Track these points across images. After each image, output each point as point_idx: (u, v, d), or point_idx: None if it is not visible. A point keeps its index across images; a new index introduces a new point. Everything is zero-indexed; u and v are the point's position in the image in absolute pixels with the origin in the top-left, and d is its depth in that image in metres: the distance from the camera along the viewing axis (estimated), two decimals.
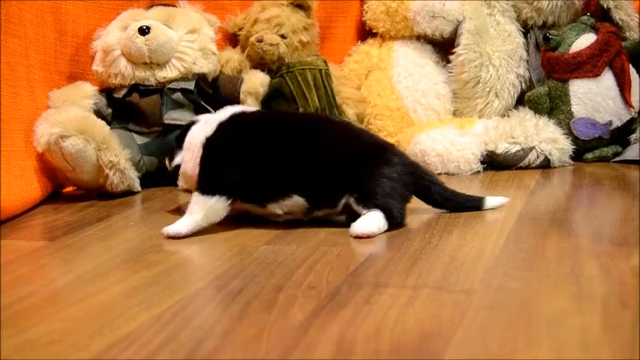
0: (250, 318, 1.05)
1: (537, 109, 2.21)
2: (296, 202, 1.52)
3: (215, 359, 0.92)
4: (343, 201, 1.51)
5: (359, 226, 1.45)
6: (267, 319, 1.04)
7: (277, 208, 1.53)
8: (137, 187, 1.92)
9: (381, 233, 1.46)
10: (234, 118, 1.58)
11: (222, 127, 1.55)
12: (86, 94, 1.97)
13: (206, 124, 1.57)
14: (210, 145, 1.53)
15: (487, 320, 1.02)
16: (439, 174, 2.06)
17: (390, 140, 2.25)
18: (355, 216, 1.49)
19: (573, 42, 2.20)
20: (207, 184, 1.50)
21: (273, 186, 1.52)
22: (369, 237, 1.44)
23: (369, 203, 1.48)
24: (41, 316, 1.07)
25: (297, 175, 1.51)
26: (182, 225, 1.48)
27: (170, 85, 1.99)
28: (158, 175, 1.96)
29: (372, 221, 1.46)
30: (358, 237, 1.44)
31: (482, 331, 0.99)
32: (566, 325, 0.98)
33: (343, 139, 1.55)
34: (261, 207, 1.55)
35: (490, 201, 1.63)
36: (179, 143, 1.60)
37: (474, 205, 1.62)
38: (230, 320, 1.05)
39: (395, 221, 1.49)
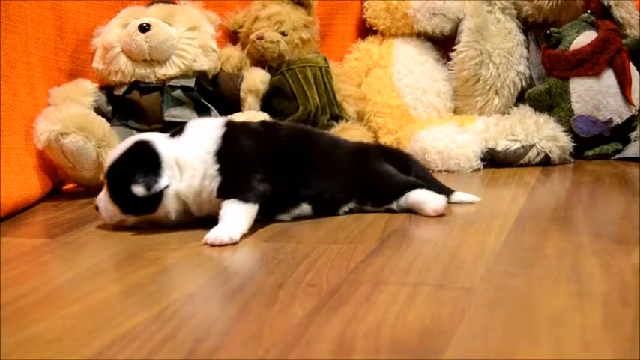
0: (250, 315, 1.05)
1: (538, 106, 2.21)
2: (303, 210, 1.55)
3: (215, 357, 0.92)
4: (346, 208, 1.58)
5: (434, 203, 1.53)
6: (267, 316, 1.03)
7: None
8: None
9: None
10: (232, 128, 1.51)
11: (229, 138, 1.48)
12: (86, 91, 1.97)
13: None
14: (240, 153, 1.47)
15: (487, 318, 1.02)
16: (439, 171, 2.07)
17: (390, 138, 2.27)
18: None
19: (574, 39, 2.20)
20: (248, 193, 1.44)
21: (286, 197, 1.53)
22: (443, 213, 1.53)
23: (398, 194, 1.55)
24: (41, 314, 1.07)
25: (307, 185, 1.53)
26: (235, 231, 1.40)
27: (170, 83, 1.99)
28: None
29: (432, 195, 1.54)
30: (438, 215, 1.52)
31: (482, 328, 0.98)
32: (566, 323, 0.98)
33: (333, 148, 1.59)
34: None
35: (458, 195, 1.65)
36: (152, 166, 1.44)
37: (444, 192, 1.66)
38: (230, 318, 1.05)
39: None
